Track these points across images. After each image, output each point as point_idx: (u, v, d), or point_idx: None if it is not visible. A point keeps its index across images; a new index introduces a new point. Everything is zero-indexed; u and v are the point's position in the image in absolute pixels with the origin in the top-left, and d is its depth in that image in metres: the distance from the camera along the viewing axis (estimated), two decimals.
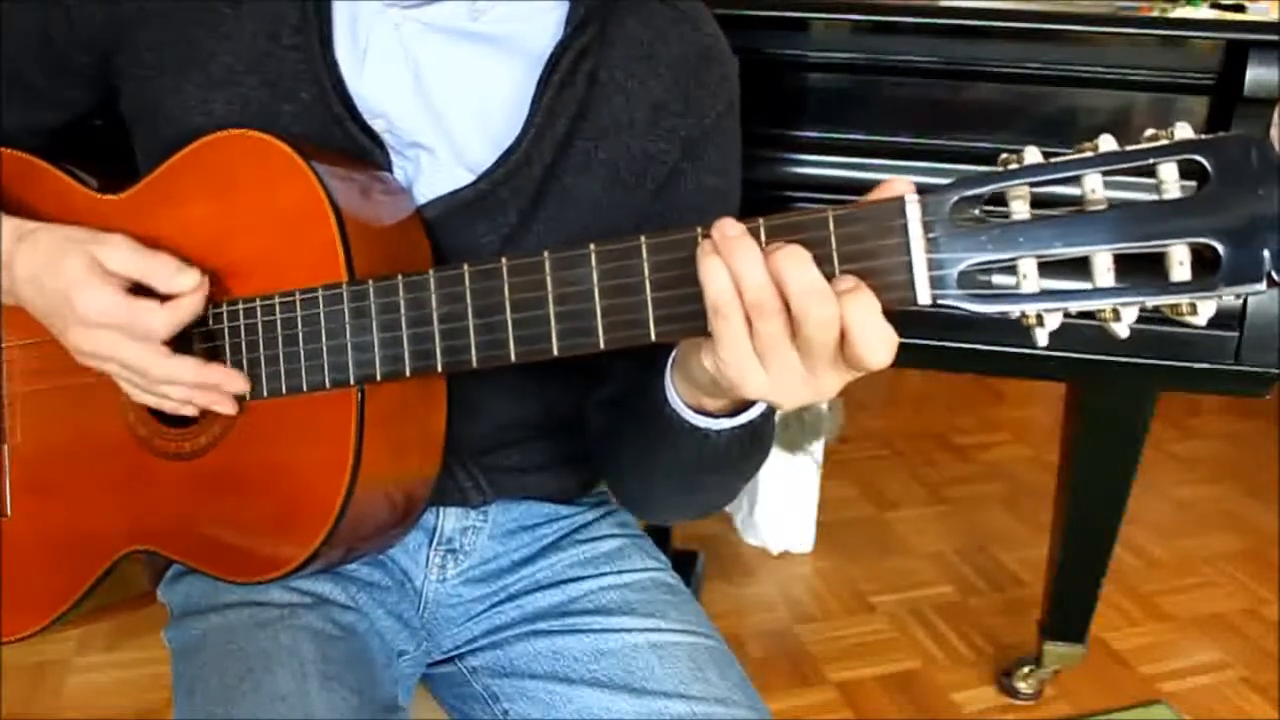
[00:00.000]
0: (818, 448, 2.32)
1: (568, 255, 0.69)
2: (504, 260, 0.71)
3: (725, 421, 0.75)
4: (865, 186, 0.62)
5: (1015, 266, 0.58)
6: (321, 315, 0.78)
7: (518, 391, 0.94)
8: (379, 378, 0.77)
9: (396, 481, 0.85)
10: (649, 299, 0.66)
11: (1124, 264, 0.56)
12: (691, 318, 0.65)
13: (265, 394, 0.82)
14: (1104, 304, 0.56)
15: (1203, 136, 0.54)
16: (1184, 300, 0.55)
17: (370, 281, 0.76)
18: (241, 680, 0.82)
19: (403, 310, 0.75)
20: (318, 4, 0.85)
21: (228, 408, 0.82)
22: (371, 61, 0.86)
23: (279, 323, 0.80)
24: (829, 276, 0.60)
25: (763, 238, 0.62)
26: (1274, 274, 0.53)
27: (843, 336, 0.60)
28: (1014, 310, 0.58)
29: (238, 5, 0.87)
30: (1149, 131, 0.55)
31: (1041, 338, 0.59)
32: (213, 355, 0.84)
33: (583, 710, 0.91)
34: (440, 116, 0.87)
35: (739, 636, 2.09)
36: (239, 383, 0.81)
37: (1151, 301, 0.56)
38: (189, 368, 0.80)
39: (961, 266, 0.59)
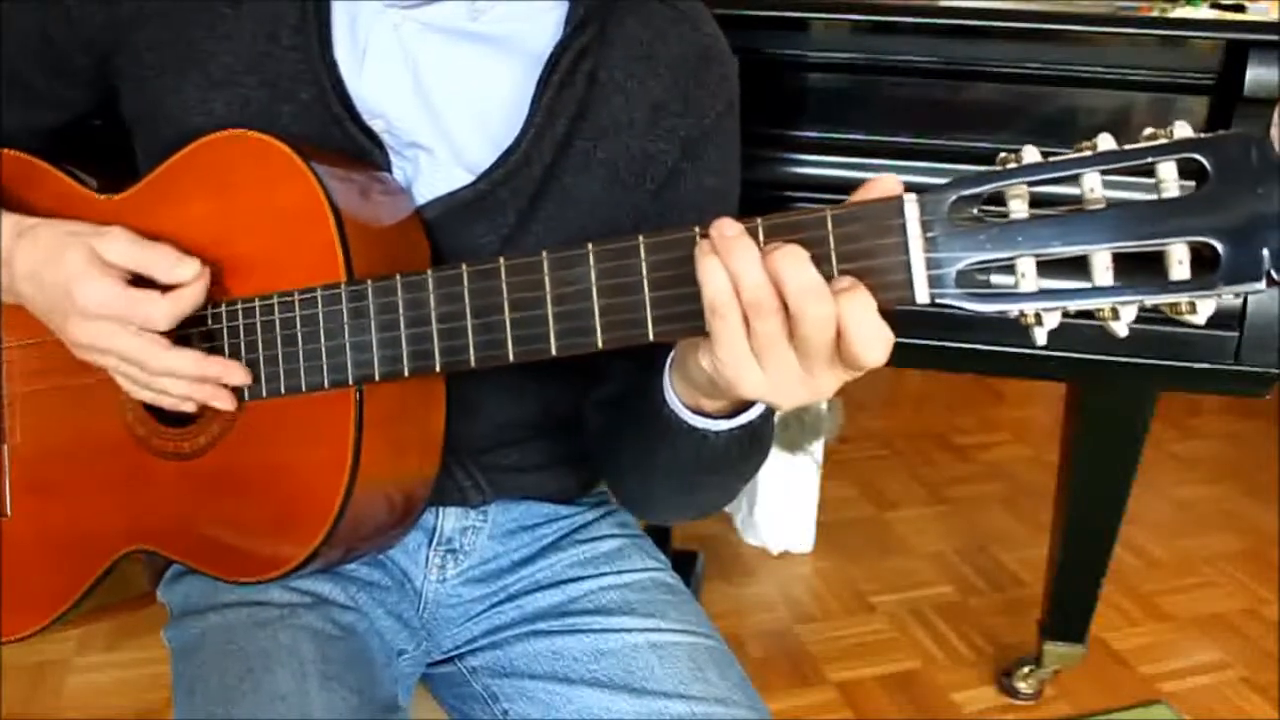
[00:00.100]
0: (818, 448, 2.32)
1: (566, 255, 0.68)
2: (502, 260, 0.71)
3: (724, 423, 0.75)
4: None
5: (1014, 266, 0.58)
6: (320, 315, 0.78)
7: (517, 391, 0.94)
8: (377, 378, 0.77)
9: (396, 481, 0.85)
10: (647, 299, 0.66)
11: (1123, 263, 0.56)
12: (690, 317, 0.65)
13: (264, 394, 0.82)
14: (1103, 303, 0.56)
15: (1202, 135, 0.54)
16: (1183, 299, 0.55)
17: (369, 282, 0.76)
18: (241, 680, 0.82)
19: (401, 310, 0.75)
20: (317, 4, 0.85)
21: (227, 403, 0.82)
22: (371, 62, 0.86)
23: (278, 323, 0.80)
24: (827, 276, 0.60)
25: (761, 238, 0.62)
26: (1273, 273, 0.53)
27: (839, 335, 0.60)
28: (1012, 309, 0.58)
29: (237, 5, 0.87)
30: (1148, 130, 0.55)
31: (1040, 337, 0.59)
32: (212, 355, 0.83)
33: (582, 710, 0.91)
34: (439, 117, 0.87)
35: (739, 636, 2.09)
36: (239, 374, 0.81)
37: (1150, 300, 0.56)
38: (189, 359, 0.80)
39: (960, 266, 0.59)
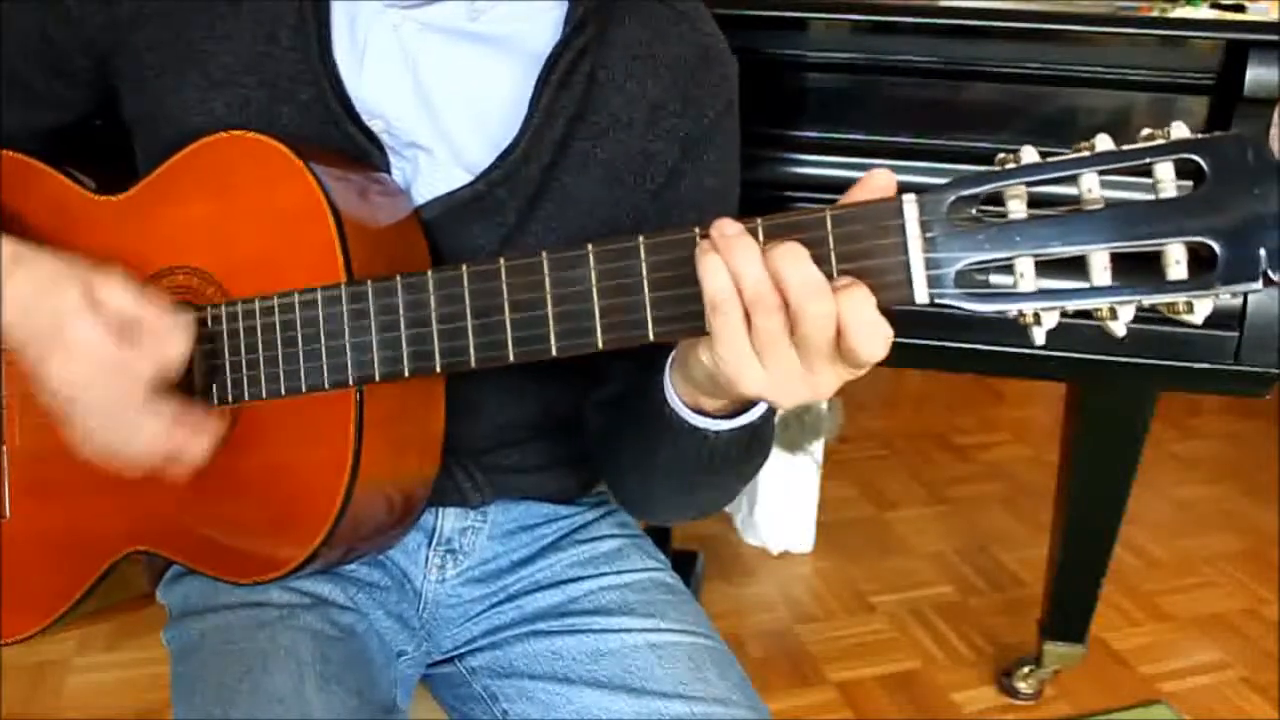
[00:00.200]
0: (818, 448, 2.32)
1: (566, 256, 0.69)
2: (502, 261, 0.71)
3: (725, 422, 0.75)
4: None
5: (1012, 265, 0.58)
6: (320, 316, 0.78)
7: (517, 392, 0.94)
8: (377, 378, 0.77)
9: (395, 482, 0.85)
10: (647, 299, 0.66)
11: (1121, 263, 0.56)
12: (690, 317, 0.65)
13: (264, 395, 0.81)
14: (1101, 302, 0.56)
15: (1199, 136, 0.54)
16: (1180, 299, 0.55)
17: (369, 282, 0.76)
18: (240, 681, 0.82)
19: (401, 311, 0.75)
20: (316, 5, 0.85)
21: (193, 459, 0.80)
22: (370, 62, 0.86)
23: (277, 324, 0.80)
24: (827, 276, 0.60)
25: (760, 237, 0.62)
26: (1270, 272, 0.53)
27: (839, 332, 0.60)
28: (1011, 309, 0.58)
29: (237, 6, 0.87)
30: (1145, 131, 0.56)
31: (1039, 336, 0.59)
32: (212, 356, 0.84)
33: (582, 710, 0.91)
34: (438, 117, 0.87)
35: (739, 636, 2.09)
36: (207, 437, 0.80)
37: (1148, 300, 0.56)
38: (161, 423, 0.78)
39: (959, 266, 0.59)
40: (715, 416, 0.75)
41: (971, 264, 0.59)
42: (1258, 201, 0.53)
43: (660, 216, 0.90)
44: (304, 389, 0.80)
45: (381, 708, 0.87)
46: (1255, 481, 2.77)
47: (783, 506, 2.37)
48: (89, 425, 0.80)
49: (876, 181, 0.61)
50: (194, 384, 0.85)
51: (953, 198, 0.59)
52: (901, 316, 0.59)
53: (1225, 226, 0.54)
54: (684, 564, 2.17)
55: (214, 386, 0.84)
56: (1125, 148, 0.56)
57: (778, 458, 2.25)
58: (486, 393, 0.92)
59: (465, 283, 0.73)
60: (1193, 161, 0.54)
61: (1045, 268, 0.58)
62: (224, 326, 0.83)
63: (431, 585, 1.01)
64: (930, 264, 0.59)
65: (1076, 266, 0.57)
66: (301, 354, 0.79)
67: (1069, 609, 1.78)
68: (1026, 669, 1.91)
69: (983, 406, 3.22)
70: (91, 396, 0.78)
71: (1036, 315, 0.58)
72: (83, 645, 1.97)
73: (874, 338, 0.60)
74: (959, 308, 0.59)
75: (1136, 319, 0.57)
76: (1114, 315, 0.57)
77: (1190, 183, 0.55)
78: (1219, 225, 0.54)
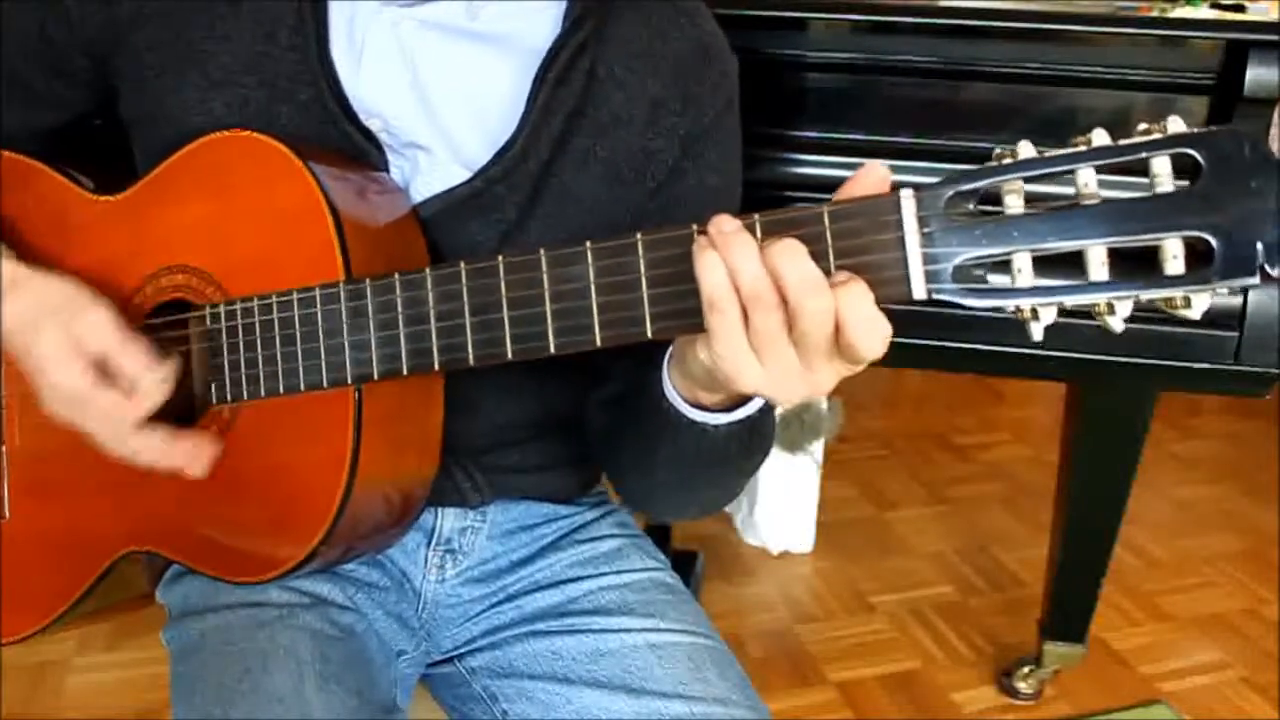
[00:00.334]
0: (818, 448, 2.32)
1: (564, 253, 0.69)
2: (500, 258, 0.71)
3: (723, 416, 0.75)
4: None
5: (1010, 261, 0.58)
6: (318, 315, 0.78)
7: (516, 391, 0.94)
8: (376, 377, 0.77)
9: (394, 481, 0.85)
10: (645, 296, 0.66)
11: (1118, 258, 0.56)
12: (688, 314, 0.65)
13: (263, 394, 0.82)
14: (1098, 298, 0.56)
15: (1195, 130, 0.54)
16: (1178, 293, 0.55)
17: (367, 280, 0.76)
18: (239, 681, 0.82)
19: (400, 309, 0.75)
20: (314, 4, 0.86)
21: (197, 471, 0.82)
22: (368, 61, 0.86)
23: (276, 322, 0.80)
24: (825, 272, 0.60)
25: (758, 234, 0.62)
26: (1267, 267, 0.53)
27: (837, 329, 0.60)
28: (1009, 304, 0.58)
29: (236, 6, 0.87)
30: (1142, 126, 0.56)
31: (1036, 332, 0.59)
32: (211, 355, 0.84)
33: (582, 711, 0.91)
34: (437, 115, 0.87)
35: (739, 636, 2.09)
36: (206, 454, 0.82)
37: (1145, 295, 0.56)
38: (155, 442, 0.81)
39: (956, 261, 0.59)
40: (714, 411, 0.75)
41: (969, 259, 0.58)
42: (1254, 196, 0.53)
43: (661, 215, 0.90)
44: (302, 388, 0.80)
45: (381, 708, 0.87)
46: (1255, 481, 2.77)
47: (783, 506, 2.37)
48: (92, 442, 0.83)
49: (871, 176, 0.61)
50: (193, 383, 0.86)
51: (950, 193, 0.59)
52: (901, 316, 0.59)
53: (1222, 221, 0.53)
54: (684, 564, 2.17)
55: (213, 385, 0.84)
56: (1122, 143, 0.56)
57: (778, 458, 2.25)
58: (486, 392, 0.92)
59: (463, 280, 0.73)
60: (1190, 156, 0.54)
61: (1043, 263, 0.58)
62: (223, 325, 0.83)
63: (431, 585, 1.00)
64: (928, 259, 0.59)
65: (1074, 262, 0.57)
66: (300, 353, 0.79)
67: (1069, 609, 1.77)
68: (1026, 669, 1.91)
69: (983, 406, 3.22)
70: (84, 426, 0.82)
71: (1034, 310, 0.58)
72: (83, 645, 1.97)
73: (873, 334, 0.60)
74: (957, 303, 0.59)
75: (1136, 318, 0.57)
76: (1111, 311, 0.57)
77: (1187, 178, 0.55)
78: (1216, 220, 0.54)
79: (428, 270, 0.74)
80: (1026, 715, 1.91)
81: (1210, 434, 3.07)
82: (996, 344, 1.33)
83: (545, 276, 0.69)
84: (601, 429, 0.95)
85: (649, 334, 0.67)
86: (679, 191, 0.91)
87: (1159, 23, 1.37)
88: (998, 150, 0.59)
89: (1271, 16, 1.57)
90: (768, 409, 0.77)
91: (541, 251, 0.69)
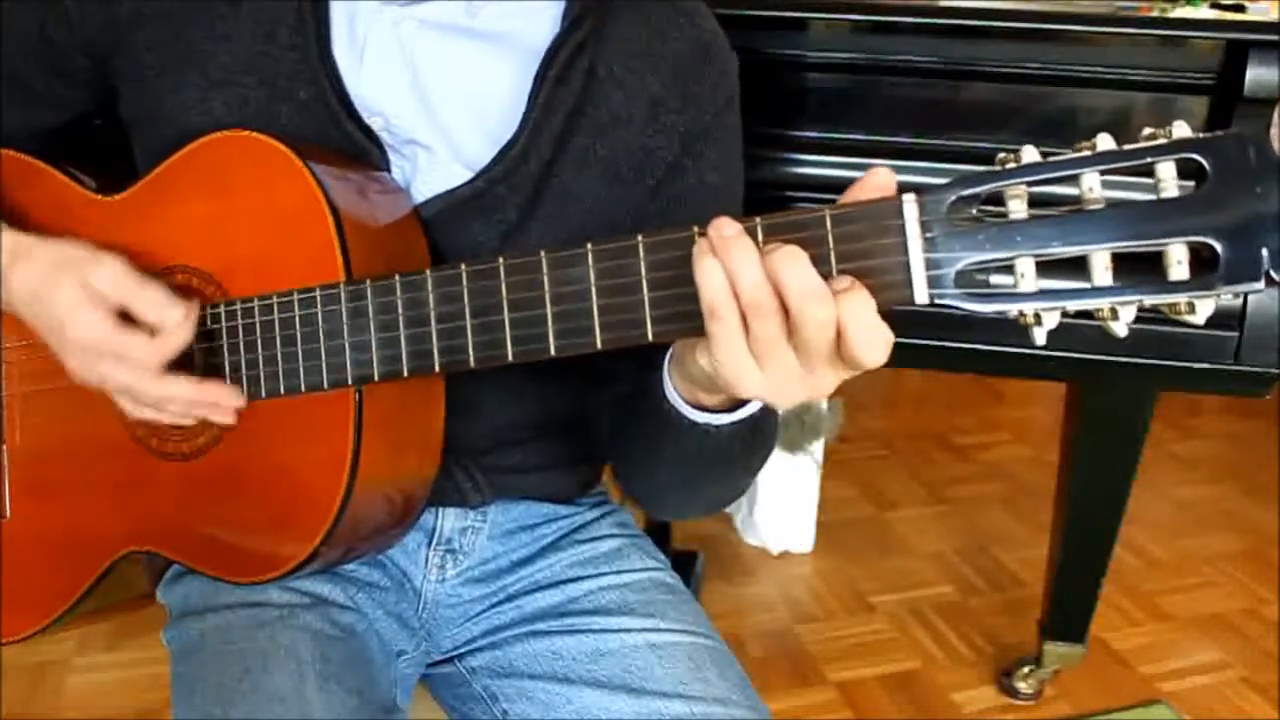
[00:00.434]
0: (818, 448, 2.32)
1: (564, 255, 0.68)
2: (501, 260, 0.71)
3: (724, 417, 0.74)
4: None
5: (1013, 266, 0.58)
6: (319, 315, 0.78)
7: (516, 392, 0.94)
8: (376, 378, 0.77)
9: (395, 481, 0.85)
10: (646, 299, 0.66)
11: (1122, 263, 0.56)
12: (689, 317, 0.64)
13: (263, 394, 0.81)
14: (1102, 303, 0.56)
15: (1200, 135, 0.54)
16: (1182, 299, 0.55)
17: (368, 281, 0.76)
18: (240, 681, 0.82)
19: (400, 310, 0.75)
20: (315, 4, 0.85)
21: (227, 419, 0.82)
22: (369, 60, 0.86)
23: (277, 323, 0.80)
24: (826, 276, 0.59)
25: (760, 237, 0.62)
26: (1272, 272, 0.53)
27: (839, 336, 0.59)
28: (1012, 309, 0.58)
29: (236, 5, 0.87)
30: (1146, 130, 0.55)
31: (1039, 337, 0.58)
32: (211, 355, 0.84)
33: (582, 710, 0.91)
34: (437, 114, 0.87)
35: (739, 636, 2.09)
36: (234, 400, 0.81)
37: (1149, 300, 0.55)
38: (182, 388, 0.81)
39: (959, 266, 0.58)
40: (715, 411, 0.74)
41: (972, 264, 0.58)
42: (1260, 201, 0.53)
43: (662, 214, 0.90)
44: (303, 388, 0.80)
45: (381, 707, 0.87)
46: (1255, 481, 2.77)
47: (783, 506, 2.37)
48: (120, 404, 0.83)
49: (876, 180, 0.61)
50: None
51: (953, 197, 0.58)
52: (901, 316, 0.59)
53: (1227, 226, 0.53)
54: (684, 564, 2.17)
55: None
56: (1127, 147, 0.55)
57: (778, 458, 2.25)
58: (486, 392, 0.92)
59: (464, 282, 0.72)
60: (1194, 161, 0.54)
61: (1046, 268, 0.58)
62: (223, 326, 0.83)
63: (431, 585, 1.00)
64: (930, 264, 0.59)
65: (1077, 266, 0.56)
66: (300, 353, 0.79)
67: (1069, 609, 1.78)
68: (1026, 669, 1.91)
69: (983, 406, 3.22)
70: (110, 382, 0.82)
71: (1037, 315, 0.58)
72: (83, 645, 1.97)
73: (874, 342, 0.59)
74: (959, 308, 0.59)
75: (1137, 319, 0.57)
76: (1115, 316, 0.57)
77: (1192, 183, 0.55)
78: (1221, 225, 0.53)
79: (428, 271, 0.74)
80: (1026, 715, 1.91)
81: (1210, 434, 3.07)
82: (996, 344, 1.33)
83: (546, 278, 0.69)
84: (609, 430, 0.95)
85: (649, 337, 0.66)
86: (679, 190, 0.91)
87: (1159, 23, 1.37)
88: (1001, 154, 0.58)
89: (1271, 16, 1.57)
90: (769, 408, 0.77)
91: (542, 253, 0.69)
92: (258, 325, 0.81)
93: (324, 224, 0.78)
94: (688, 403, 0.75)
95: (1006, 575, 2.33)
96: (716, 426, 0.75)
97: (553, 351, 0.70)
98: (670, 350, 0.75)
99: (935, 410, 3.19)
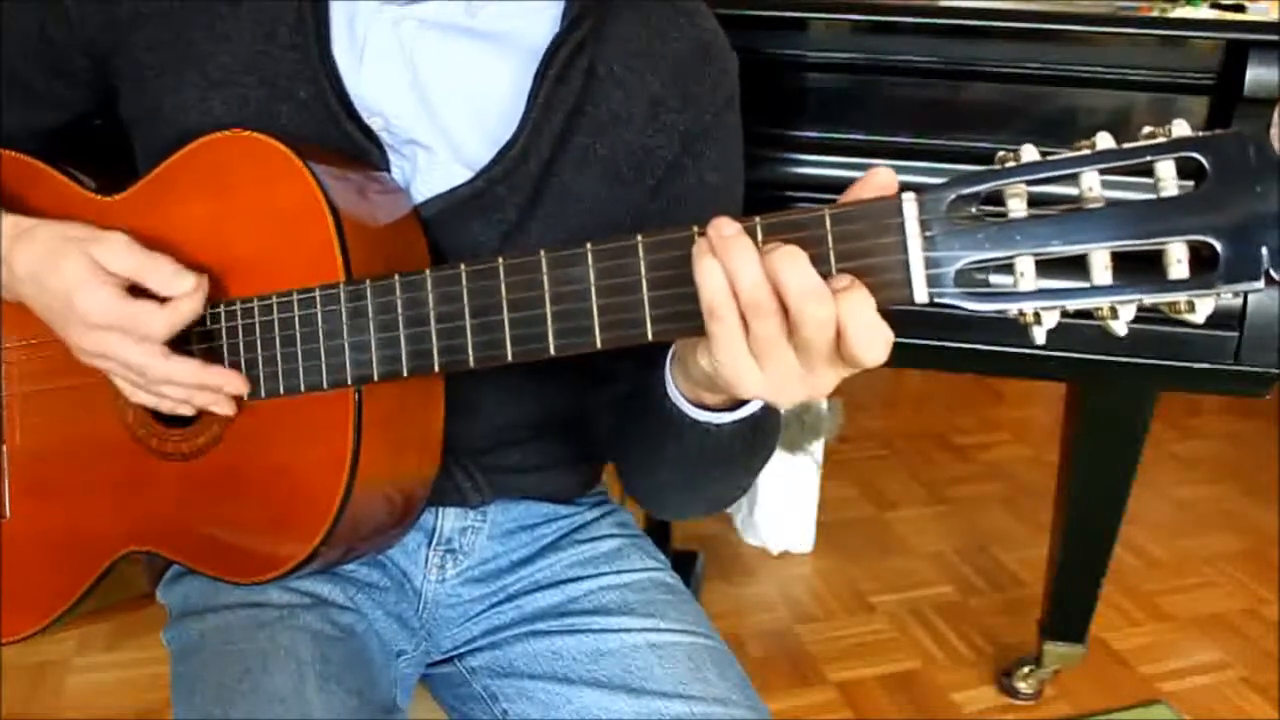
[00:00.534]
0: (818, 448, 2.32)
1: (564, 255, 0.68)
2: (500, 260, 0.71)
3: (726, 415, 0.74)
4: None
5: (1012, 265, 0.58)
6: (319, 315, 0.78)
7: (516, 391, 0.94)
8: (376, 378, 0.77)
9: (395, 481, 0.85)
10: (645, 299, 0.66)
11: (1122, 262, 0.56)
12: (689, 317, 0.64)
13: (263, 394, 0.82)
14: (1101, 302, 0.56)
15: (1200, 134, 0.54)
16: (1182, 298, 0.55)
17: (367, 281, 0.76)
18: (240, 681, 0.82)
19: (400, 310, 0.75)
20: (315, 3, 0.85)
21: (226, 408, 0.82)
22: (369, 60, 0.86)
23: (276, 323, 0.80)
24: (825, 275, 0.59)
25: (759, 236, 0.62)
26: (1272, 271, 0.53)
27: (839, 336, 0.59)
28: (1011, 308, 0.58)
29: (236, 5, 0.87)
30: (1146, 129, 0.55)
31: (1039, 336, 0.58)
32: (211, 355, 0.84)
33: (582, 710, 0.91)
34: (437, 114, 0.87)
35: (739, 636, 2.09)
36: (238, 384, 0.81)
37: (1149, 299, 0.55)
38: (188, 368, 0.80)
39: (958, 265, 0.58)
40: (717, 410, 0.74)
41: (971, 263, 0.58)
42: (1259, 200, 0.53)
43: (662, 214, 0.90)
44: (302, 388, 0.80)
45: (381, 707, 0.87)
46: (1255, 481, 2.77)
47: (783, 506, 2.37)
48: (125, 387, 0.83)
49: (877, 180, 0.61)
50: None
51: (952, 196, 0.58)
52: (901, 316, 0.59)
53: (1227, 225, 0.53)
54: (684, 564, 2.17)
55: None
56: (1126, 146, 0.55)
57: (778, 458, 2.24)
58: (486, 392, 0.92)
59: (464, 282, 0.72)
60: (1194, 160, 0.54)
61: (1045, 267, 0.57)
62: (223, 326, 0.83)
63: (431, 585, 1.00)
64: (930, 263, 0.59)
65: (1077, 265, 0.56)
66: (300, 353, 0.79)
67: (1069, 609, 1.78)
68: (1026, 669, 1.91)
69: (983, 406, 3.22)
70: (116, 360, 0.81)
71: (1037, 315, 0.58)
72: (83, 645, 1.97)
73: (874, 341, 0.59)
74: (959, 307, 0.59)
75: (1137, 319, 0.57)
76: (1115, 315, 0.57)
77: (1191, 182, 0.55)
78: (1220, 224, 0.53)
79: (428, 271, 0.74)
80: (1026, 715, 1.91)
81: (1210, 434, 3.07)
82: (996, 344, 1.32)
83: (545, 278, 0.69)
84: (611, 429, 0.95)
85: (649, 336, 0.66)
86: (679, 190, 0.91)
87: (1159, 23, 1.37)
88: (1001, 153, 0.58)
89: (1271, 16, 1.57)
90: (772, 407, 0.77)
91: (541, 253, 0.69)
92: (257, 325, 0.81)
93: (324, 224, 0.78)
94: (690, 402, 0.75)
95: (1006, 575, 2.33)
96: (718, 425, 0.75)
97: (552, 351, 0.70)
98: (672, 349, 0.75)
99: (935, 410, 3.19)
